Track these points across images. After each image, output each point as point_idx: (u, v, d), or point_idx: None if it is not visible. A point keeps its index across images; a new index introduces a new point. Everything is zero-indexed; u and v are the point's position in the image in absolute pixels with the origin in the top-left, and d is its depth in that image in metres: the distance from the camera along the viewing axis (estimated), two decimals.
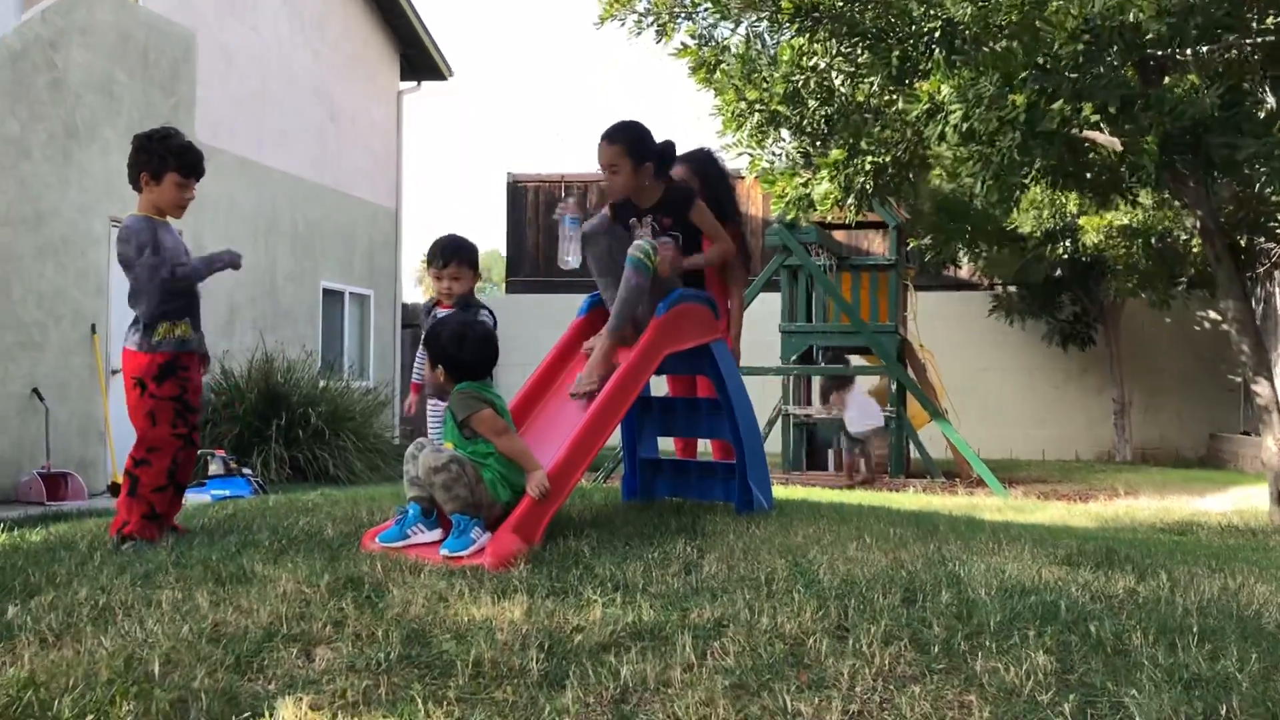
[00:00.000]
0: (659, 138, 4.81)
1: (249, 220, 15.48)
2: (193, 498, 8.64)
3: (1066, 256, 15.41)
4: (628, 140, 4.69)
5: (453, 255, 5.22)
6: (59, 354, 10.98)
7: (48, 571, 3.79)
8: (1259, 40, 7.06)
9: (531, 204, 20.83)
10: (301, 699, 2.40)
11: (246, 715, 2.33)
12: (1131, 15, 6.54)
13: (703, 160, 5.66)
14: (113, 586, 3.41)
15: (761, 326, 14.43)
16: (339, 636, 2.84)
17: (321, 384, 14.33)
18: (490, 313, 5.35)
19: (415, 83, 20.34)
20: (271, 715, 2.31)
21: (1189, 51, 7.28)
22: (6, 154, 10.51)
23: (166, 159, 4.51)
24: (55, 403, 10.88)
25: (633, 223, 4.81)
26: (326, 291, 17.50)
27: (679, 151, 5.11)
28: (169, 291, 4.44)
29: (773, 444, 13.89)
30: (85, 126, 11.20)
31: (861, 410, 12.75)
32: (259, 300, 15.66)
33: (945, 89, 7.10)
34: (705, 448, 5.97)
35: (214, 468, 11.11)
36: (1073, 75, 6.91)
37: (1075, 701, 2.39)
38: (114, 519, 4.50)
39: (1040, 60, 6.85)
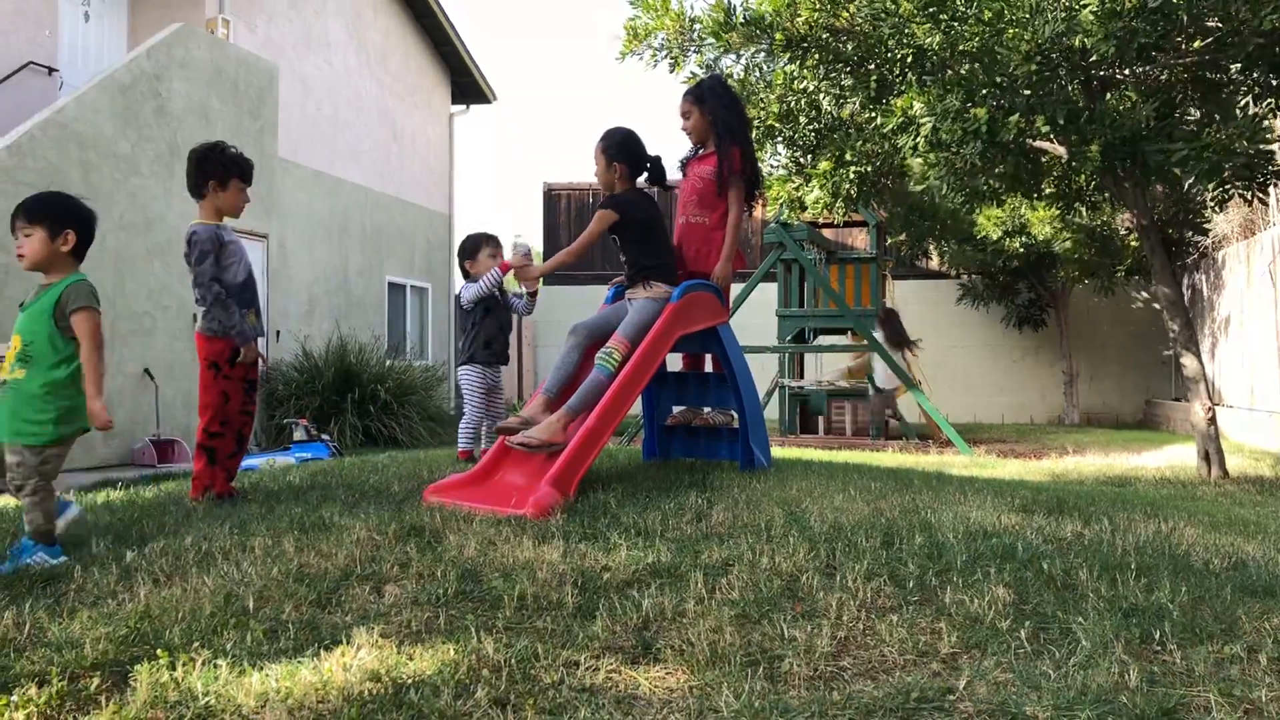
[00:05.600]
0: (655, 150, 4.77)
1: (324, 224, 15.52)
2: (280, 460, 8.70)
3: (1022, 250, 15.36)
4: (606, 139, 4.69)
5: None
6: (166, 339, 11.05)
7: (159, 522, 3.82)
8: (1188, 60, 6.98)
9: (564, 209, 20.78)
10: (374, 629, 2.41)
11: (327, 642, 2.34)
12: (1078, 40, 6.49)
13: (704, 85, 5.21)
14: (213, 535, 3.43)
15: (761, 312, 14.46)
16: (404, 575, 2.86)
17: (388, 363, 14.38)
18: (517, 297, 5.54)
19: (465, 106, 20.31)
20: (349, 642, 2.32)
21: (1128, 71, 7.21)
22: (119, 170, 10.55)
23: (230, 167, 4.44)
24: (163, 381, 10.95)
25: None
26: (391, 285, 17.53)
27: None
28: (213, 302, 4.32)
29: (771, 411, 13.90)
30: (185, 145, 11.22)
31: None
32: (334, 293, 15.70)
33: (917, 105, 7.06)
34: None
35: (298, 434, 11.18)
36: (1026, 92, 6.87)
37: (1030, 628, 2.39)
38: (195, 483, 4.43)
39: (998, 80, 6.80)
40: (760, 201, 5.35)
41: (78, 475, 8.79)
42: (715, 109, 5.01)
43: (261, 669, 2.15)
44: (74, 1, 12.57)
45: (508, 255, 5.41)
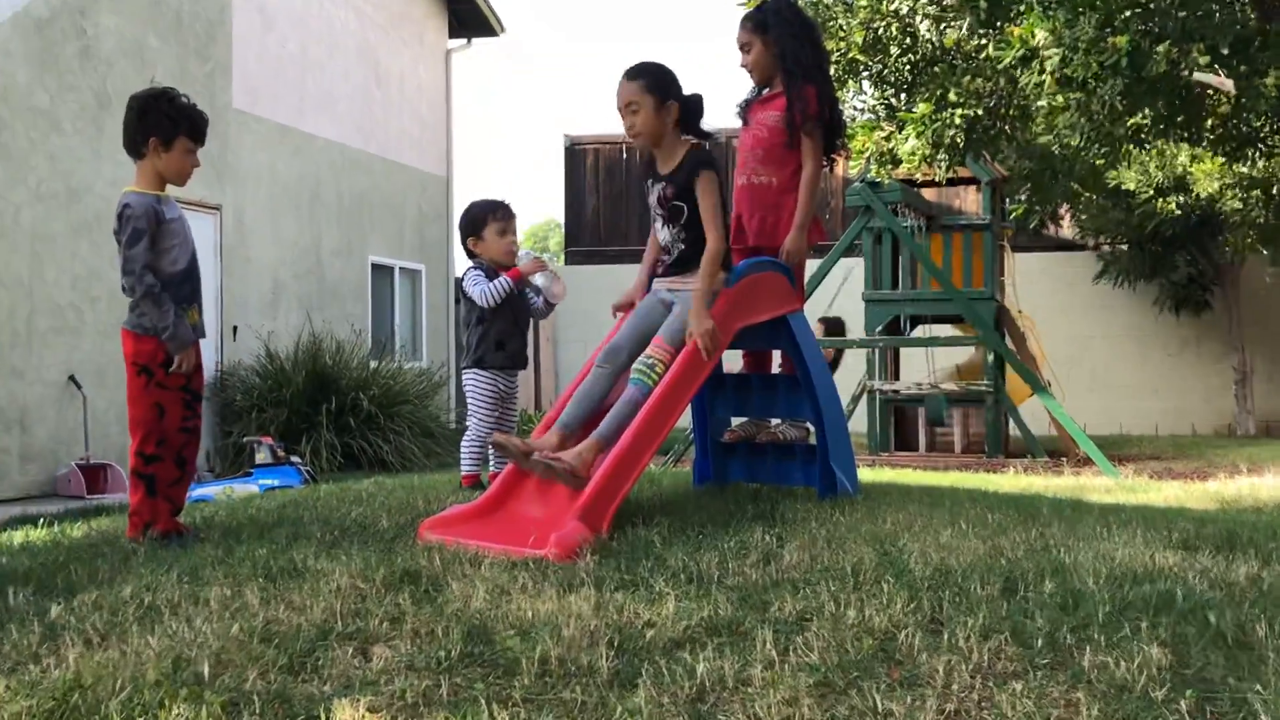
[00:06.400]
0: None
1: (291, 191, 15.66)
2: (239, 488, 8.80)
3: (1178, 213, 15.17)
4: (647, 75, 4.46)
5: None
6: (96, 338, 11.20)
7: (90, 568, 3.87)
8: None
9: (591, 168, 20.84)
10: (359, 700, 2.43)
11: (301, 718, 2.37)
12: None
13: (768, 9, 5.14)
14: (158, 584, 3.47)
15: (844, 295, 14.36)
16: (397, 634, 2.88)
17: (373, 365, 14.50)
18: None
19: (465, 40, 20.40)
20: (328, 718, 2.34)
21: None
22: (36, 127, 10.72)
23: (178, 122, 4.39)
24: (93, 390, 11.12)
25: (648, 186, 4.64)
26: (375, 267, 17.66)
27: None
28: (144, 295, 4.29)
29: (857, 423, 13.86)
30: (117, 96, 11.38)
31: None
32: (304, 277, 15.83)
33: (1040, 33, 7.01)
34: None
35: (261, 456, 11.30)
36: (1181, 14, 6.80)
37: (1193, 698, 2.36)
38: (132, 519, 4.45)
39: None
40: (842, 154, 5.32)
41: None
42: (782, 38, 5.01)
43: None
44: None
45: (520, 262, 5.48)
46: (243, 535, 4.43)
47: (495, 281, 5.45)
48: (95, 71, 11.39)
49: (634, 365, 4.33)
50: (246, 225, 14.60)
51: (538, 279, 5.54)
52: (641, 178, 4.74)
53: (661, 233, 4.62)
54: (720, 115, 4.95)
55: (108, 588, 3.49)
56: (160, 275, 4.33)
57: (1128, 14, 6.73)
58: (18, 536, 5.00)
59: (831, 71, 8.62)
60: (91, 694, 2.51)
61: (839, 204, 17.16)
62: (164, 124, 4.38)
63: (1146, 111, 7.44)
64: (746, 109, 5.21)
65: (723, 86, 18.41)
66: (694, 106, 4.55)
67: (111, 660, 2.72)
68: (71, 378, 11.00)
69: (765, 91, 5.13)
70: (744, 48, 5.11)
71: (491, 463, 5.59)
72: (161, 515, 4.43)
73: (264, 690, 2.52)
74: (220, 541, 4.28)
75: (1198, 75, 7.24)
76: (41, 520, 5.95)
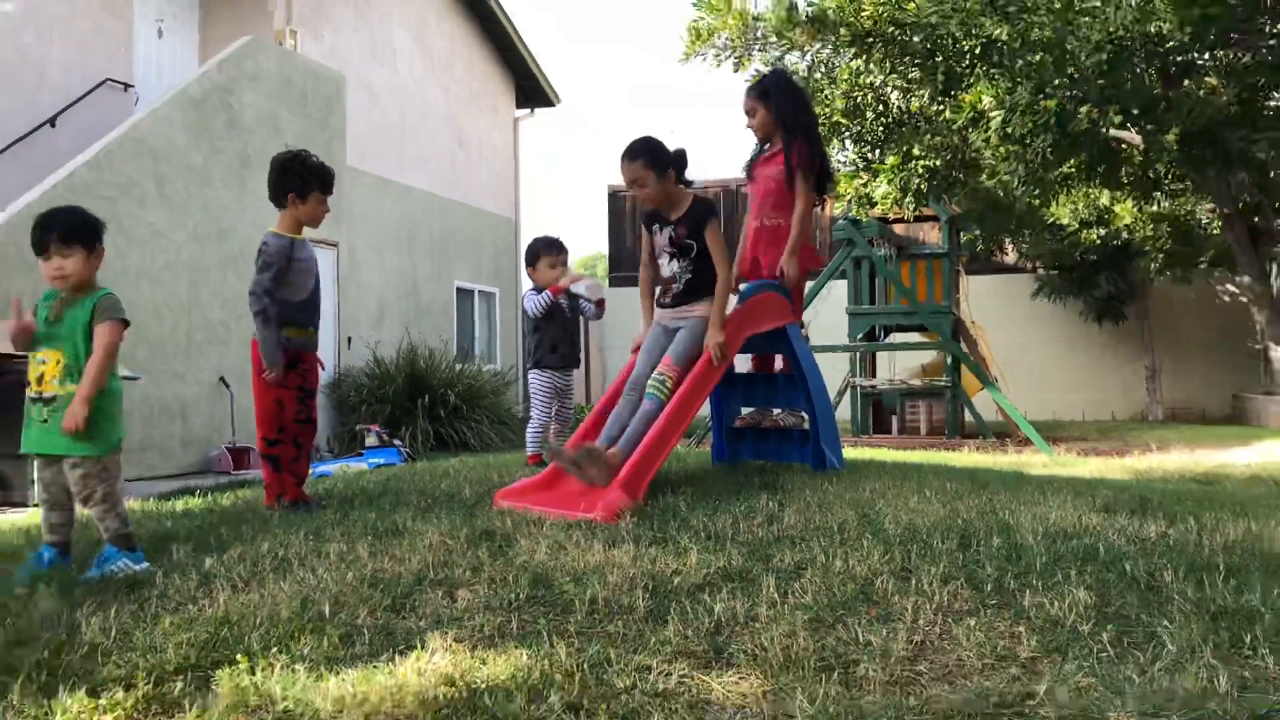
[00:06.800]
0: (676, 148, 4.45)
1: (393, 231, 15.73)
2: (353, 466, 8.84)
3: (1100, 242, 15.06)
4: (646, 154, 4.34)
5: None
6: (240, 348, 11.28)
7: (236, 529, 3.91)
8: (1272, 43, 6.79)
9: (628, 212, 20.83)
10: (447, 633, 2.44)
11: (402, 647, 2.38)
12: (1153, 26, 6.35)
13: (768, 81, 5.14)
14: (289, 541, 3.50)
15: (831, 309, 14.33)
16: (477, 580, 2.89)
17: (457, 368, 14.53)
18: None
19: (529, 110, 20.44)
20: (423, 647, 2.35)
21: (1207, 56, 7.04)
22: (193, 181, 10.81)
23: (310, 179, 4.42)
24: (238, 389, 11.20)
25: (655, 229, 4.53)
26: (459, 290, 17.72)
27: None
28: (257, 313, 4.32)
29: (842, 411, 13.79)
30: (256, 156, 11.48)
31: None
32: (404, 299, 15.91)
33: (986, 98, 6.97)
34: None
35: (370, 440, 11.35)
36: (1100, 82, 6.74)
37: (1113, 631, 2.34)
38: (267, 491, 4.49)
39: (1070, 71, 6.68)
40: (830, 198, 5.29)
41: (157, 483, 9.03)
42: (780, 103, 4.99)
43: (338, 674, 2.19)
44: (148, 19, 12.92)
45: (560, 281, 5.50)
46: (355, 503, 4.46)
47: (539, 296, 5.52)
48: (239, 138, 11.47)
49: (648, 382, 4.28)
50: (358, 258, 14.68)
51: (577, 287, 5.54)
52: (645, 222, 4.60)
53: (668, 267, 4.49)
54: (728, 167, 4.90)
55: (249, 544, 3.52)
56: (284, 300, 4.35)
57: (1056, 82, 6.67)
58: (179, 505, 5.05)
59: (819, 131, 8.59)
60: (237, 628, 2.52)
61: (828, 238, 17.06)
62: (299, 182, 4.41)
63: (1072, 162, 7.38)
64: (751, 167, 5.18)
65: (727, 142, 18.36)
66: (683, 163, 4.45)
67: (252, 601, 2.74)
68: (221, 379, 11.09)
69: (766, 148, 5.11)
70: (749, 113, 5.09)
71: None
72: (289, 487, 4.46)
73: (372, 625, 2.54)
74: (338, 508, 4.30)
75: (1114, 132, 7.17)
76: (198, 492, 6.00)
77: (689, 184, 4.54)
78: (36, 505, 6.11)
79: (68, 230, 3.37)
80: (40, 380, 3.32)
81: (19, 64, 11.07)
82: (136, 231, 10.09)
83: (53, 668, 2.30)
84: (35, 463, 3.36)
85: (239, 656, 2.28)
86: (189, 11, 13.66)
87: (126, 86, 12.33)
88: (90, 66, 11.90)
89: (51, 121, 11.25)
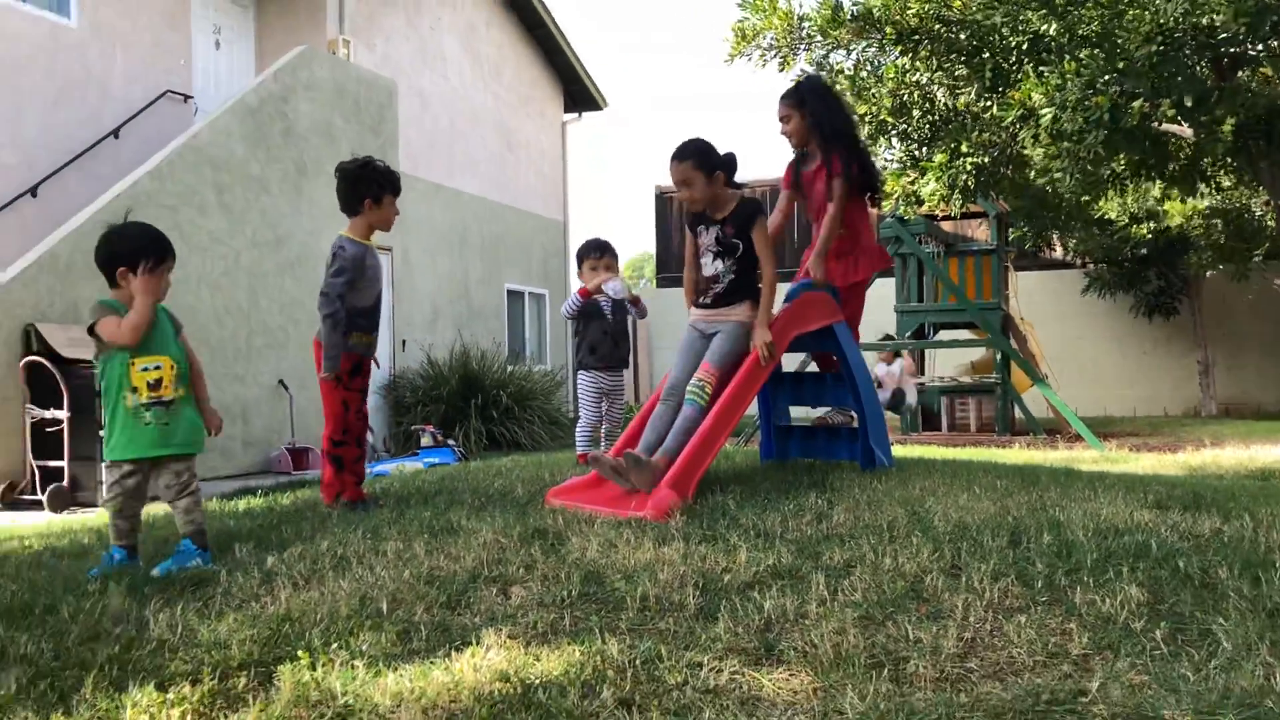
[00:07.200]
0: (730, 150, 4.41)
1: (445, 235, 15.87)
2: (408, 465, 8.93)
3: (1150, 236, 14.81)
4: (696, 155, 4.30)
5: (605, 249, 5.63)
6: (298, 351, 11.44)
7: (296, 528, 3.97)
8: None
9: (676, 212, 20.83)
10: (501, 630, 2.46)
11: (457, 643, 2.40)
12: (1205, 18, 6.23)
13: (804, 88, 5.04)
14: (347, 540, 3.54)
15: (879, 307, 14.25)
16: (530, 577, 2.91)
17: (509, 369, 14.62)
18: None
19: (577, 114, 20.53)
20: (478, 643, 2.37)
21: (1261, 47, 6.89)
22: (250, 189, 10.98)
23: (384, 183, 4.47)
24: (296, 391, 11.35)
25: (700, 229, 4.49)
26: (509, 292, 17.83)
27: None
28: (327, 316, 4.38)
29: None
30: (311, 164, 11.63)
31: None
32: (456, 302, 16.04)
33: (1035, 95, 6.87)
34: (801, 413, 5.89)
35: (425, 440, 11.46)
36: (1150, 76, 6.62)
37: (1166, 629, 2.30)
38: (327, 490, 4.54)
39: (1119, 65, 6.57)
40: (876, 200, 5.19)
41: (219, 483, 9.18)
42: (815, 110, 4.91)
43: (396, 669, 2.22)
44: (206, 31, 13.14)
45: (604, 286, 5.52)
46: (411, 501, 4.51)
47: (568, 299, 5.59)
48: (294, 145, 11.63)
49: (688, 387, 4.24)
50: (412, 262, 14.82)
51: (606, 288, 5.52)
52: (690, 224, 4.56)
53: (711, 266, 4.44)
54: (773, 168, 4.84)
55: (309, 543, 3.57)
56: (349, 306, 4.40)
57: (1106, 78, 6.56)
58: (241, 504, 5.13)
59: (865, 130, 8.54)
60: (298, 624, 2.56)
61: (874, 236, 16.97)
62: (373, 187, 4.45)
63: (1123, 157, 7.26)
64: (798, 177, 5.08)
65: (772, 144, 18.32)
66: (732, 166, 4.43)
67: (313, 599, 2.78)
68: (280, 381, 11.25)
69: (806, 157, 5.02)
70: (784, 119, 4.98)
71: (602, 444, 5.60)
72: (349, 486, 4.52)
73: (429, 622, 2.56)
74: (394, 506, 4.35)
75: (1166, 126, 7.06)
76: (259, 491, 6.10)
77: (738, 187, 4.52)
78: (104, 506, 6.24)
79: (158, 248, 3.51)
80: (157, 385, 3.41)
81: (84, 79, 11.32)
82: (197, 238, 10.26)
83: (123, 663, 2.36)
84: (121, 468, 3.43)
85: (300, 652, 2.31)
86: (245, 23, 13.88)
87: (186, 97, 12.55)
88: (151, 79, 12.13)
89: (115, 133, 11.49)
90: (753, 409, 4.85)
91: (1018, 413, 13.69)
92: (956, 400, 14.26)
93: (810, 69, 8.40)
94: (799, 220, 5.28)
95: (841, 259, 4.95)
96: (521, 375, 14.57)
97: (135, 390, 3.41)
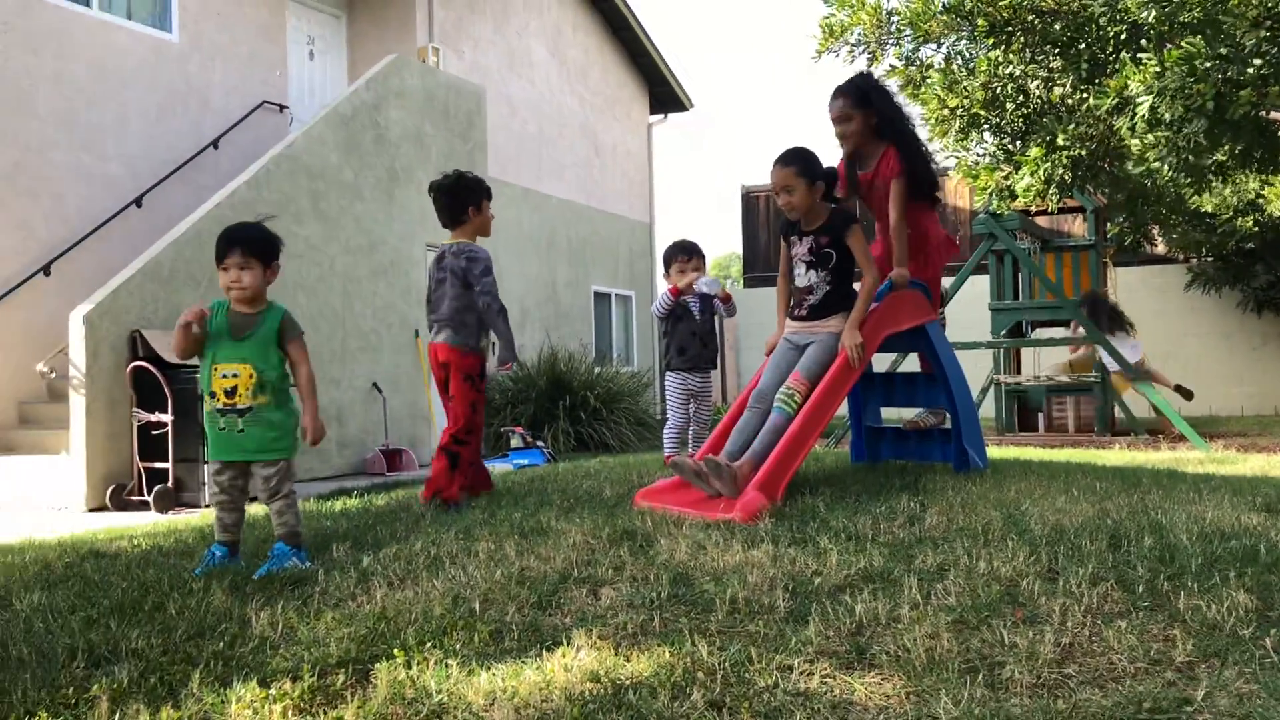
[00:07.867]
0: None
1: (533, 239, 16.04)
2: (498, 466, 9.05)
3: (1255, 229, 14.29)
4: (799, 162, 4.33)
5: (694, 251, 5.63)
6: (391, 355, 11.67)
7: (391, 528, 4.05)
8: None
9: (763, 211, 20.72)
10: (591, 630, 2.49)
11: (548, 643, 2.43)
12: None
13: (868, 86, 4.86)
14: (441, 540, 3.61)
15: (972, 306, 14.00)
16: (619, 579, 2.93)
17: (596, 370, 14.70)
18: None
19: (662, 115, 20.55)
20: (569, 643, 2.40)
21: None
22: (344, 196, 11.23)
23: (482, 190, 4.76)
24: (390, 394, 11.58)
25: (792, 240, 4.50)
26: (596, 294, 17.94)
27: None
28: (501, 310, 4.68)
29: (986, 409, 13.43)
30: (403, 170, 11.85)
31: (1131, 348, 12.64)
32: (543, 304, 16.20)
33: (1133, 83, 6.68)
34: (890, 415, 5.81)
35: (515, 442, 11.57)
36: (1258, 62, 6.38)
37: (1276, 636, 2.23)
38: (429, 486, 4.63)
39: (1224, 50, 6.34)
40: (939, 198, 5.05)
41: (315, 485, 9.41)
42: (883, 109, 4.76)
43: (489, 668, 2.26)
44: (300, 42, 13.49)
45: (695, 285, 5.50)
46: (502, 503, 4.57)
47: (659, 299, 5.61)
48: (386, 153, 11.86)
49: (777, 395, 4.25)
50: (500, 265, 14.99)
51: (698, 287, 5.52)
52: (784, 233, 4.58)
53: (804, 277, 4.45)
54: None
55: (404, 543, 3.64)
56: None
57: (1209, 65, 6.34)
58: (337, 505, 5.25)
59: (957, 124, 8.39)
60: (393, 623, 2.62)
61: (968, 232, 16.66)
62: (474, 194, 4.74)
63: (1228, 147, 7.01)
64: (854, 178, 4.97)
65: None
66: (832, 180, 4.48)
67: (407, 598, 2.84)
68: (374, 384, 11.48)
69: (861, 158, 4.90)
70: (844, 119, 4.78)
71: (690, 445, 5.62)
72: (452, 486, 4.60)
73: (520, 621, 2.60)
74: (486, 507, 4.42)
75: (1275, 114, 6.80)
76: (354, 492, 6.23)
77: (835, 202, 4.54)
78: (208, 506, 6.45)
79: (249, 244, 3.61)
80: (232, 393, 3.51)
81: (185, 91, 11.70)
82: (293, 245, 10.52)
83: (227, 659, 2.44)
84: (211, 467, 3.57)
85: (396, 651, 2.37)
86: (337, 33, 14.21)
87: (282, 108, 12.91)
88: (248, 90, 12.50)
89: (214, 143, 11.86)
90: (843, 410, 4.82)
91: (1118, 412, 13.32)
92: (1054, 400, 13.92)
93: (899, 63, 8.29)
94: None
95: (913, 258, 4.88)
96: (609, 376, 14.63)
97: (214, 395, 3.54)
